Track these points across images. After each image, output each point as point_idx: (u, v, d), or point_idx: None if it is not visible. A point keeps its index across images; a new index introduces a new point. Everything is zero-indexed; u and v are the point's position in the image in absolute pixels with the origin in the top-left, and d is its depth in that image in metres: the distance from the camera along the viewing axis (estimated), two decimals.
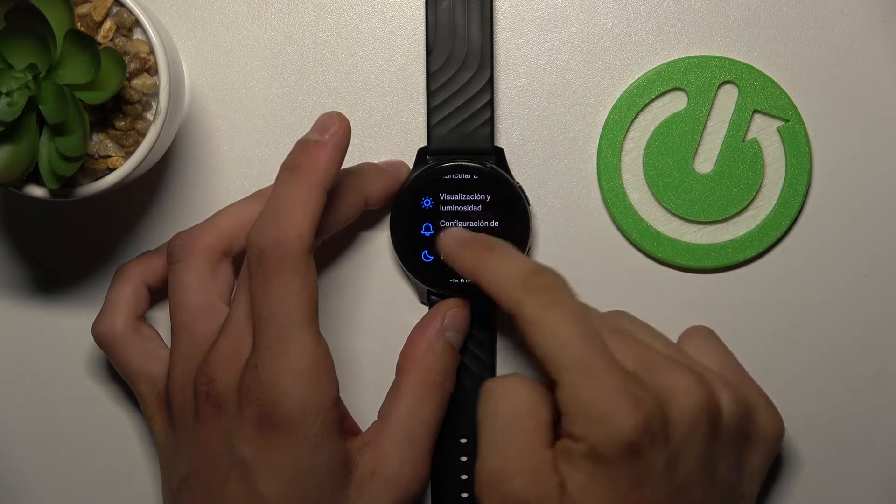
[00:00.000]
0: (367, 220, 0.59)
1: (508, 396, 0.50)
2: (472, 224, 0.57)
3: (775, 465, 0.59)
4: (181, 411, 0.53)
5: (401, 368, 0.55)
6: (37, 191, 0.53)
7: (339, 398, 0.52)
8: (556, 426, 0.50)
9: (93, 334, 0.56)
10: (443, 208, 0.57)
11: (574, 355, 0.48)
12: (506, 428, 0.49)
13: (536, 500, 0.48)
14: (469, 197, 0.57)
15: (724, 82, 0.58)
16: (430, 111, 0.57)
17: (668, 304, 0.59)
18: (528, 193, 0.58)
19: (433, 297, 0.58)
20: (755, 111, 0.58)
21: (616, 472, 0.47)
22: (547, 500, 0.48)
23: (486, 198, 0.57)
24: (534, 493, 0.48)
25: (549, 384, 0.49)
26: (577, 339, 0.48)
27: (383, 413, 0.54)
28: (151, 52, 0.53)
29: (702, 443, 0.49)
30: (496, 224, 0.57)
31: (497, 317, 0.59)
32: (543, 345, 0.49)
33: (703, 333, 0.56)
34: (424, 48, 0.58)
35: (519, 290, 0.50)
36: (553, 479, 0.48)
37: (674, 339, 0.55)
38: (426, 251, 0.57)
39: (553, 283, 0.50)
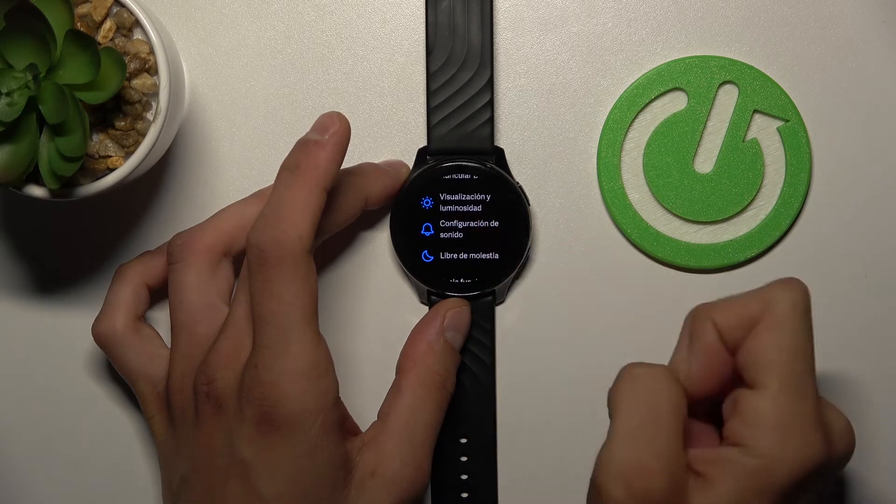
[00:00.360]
0: (367, 220, 0.59)
1: (656, 386, 0.47)
2: (472, 224, 0.57)
3: None
4: (181, 411, 0.53)
5: (401, 368, 0.55)
6: (37, 191, 0.53)
7: (338, 398, 0.52)
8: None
9: (93, 334, 0.56)
10: (443, 208, 0.57)
11: (798, 370, 0.47)
12: (651, 419, 0.47)
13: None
14: (469, 197, 0.57)
15: (724, 82, 0.58)
16: (430, 111, 0.57)
17: (668, 304, 0.59)
18: (528, 193, 0.58)
19: (433, 297, 0.58)
20: (755, 111, 0.58)
21: (773, 497, 0.46)
22: None
23: (486, 198, 0.57)
24: (669, 495, 0.46)
25: (747, 386, 0.47)
26: (805, 357, 0.47)
27: (383, 413, 0.54)
28: (151, 52, 0.53)
29: (827, 485, 0.49)
30: (496, 224, 0.57)
31: (497, 317, 0.59)
32: (776, 344, 0.47)
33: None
34: (424, 48, 0.58)
35: (775, 289, 0.48)
36: (687, 482, 0.46)
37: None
38: (426, 251, 0.57)
39: (807, 292, 0.48)
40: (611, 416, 0.48)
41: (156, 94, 0.53)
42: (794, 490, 0.46)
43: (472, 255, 0.57)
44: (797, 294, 0.48)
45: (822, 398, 0.49)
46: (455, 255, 0.57)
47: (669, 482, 0.46)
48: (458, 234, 0.57)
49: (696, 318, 0.49)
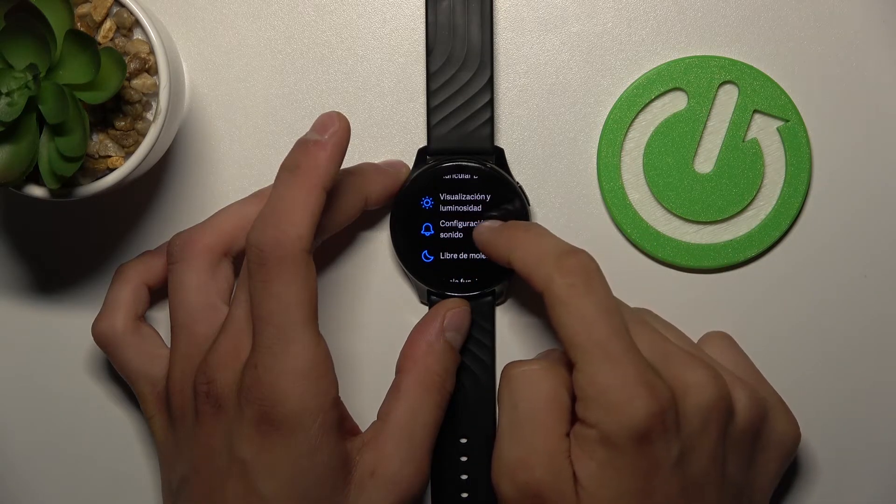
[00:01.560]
0: (367, 220, 0.59)
1: (530, 383, 0.50)
2: (473, 224, 0.57)
3: None
4: (181, 411, 0.53)
5: (401, 368, 0.55)
6: (37, 191, 0.53)
7: (338, 398, 0.52)
8: (572, 411, 0.50)
9: (93, 334, 0.56)
10: (443, 208, 0.57)
11: (596, 339, 0.49)
12: (527, 416, 0.50)
13: (552, 492, 0.49)
14: (469, 197, 0.57)
15: (724, 82, 0.58)
16: (430, 111, 0.57)
17: (668, 304, 0.59)
18: (528, 193, 0.58)
19: (433, 297, 0.58)
20: (755, 111, 0.58)
21: (627, 461, 0.48)
22: (562, 490, 0.49)
23: (486, 198, 0.57)
24: (551, 483, 0.49)
25: (569, 365, 0.50)
26: (602, 324, 0.49)
27: (383, 413, 0.54)
28: (151, 52, 0.53)
29: (713, 440, 0.49)
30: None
31: (497, 317, 0.59)
32: (568, 325, 0.49)
33: (722, 337, 0.56)
34: (424, 48, 0.58)
35: (551, 267, 0.50)
36: (569, 469, 0.49)
37: None
38: (426, 251, 0.57)
39: (585, 265, 0.50)
40: (498, 416, 0.51)
41: (156, 94, 0.53)
42: (643, 447, 0.48)
43: (472, 255, 0.57)
44: (573, 275, 0.50)
45: (686, 353, 0.50)
46: (455, 255, 0.57)
47: (550, 471, 0.49)
48: (458, 234, 0.57)
49: (501, 239, 0.54)
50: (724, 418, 0.50)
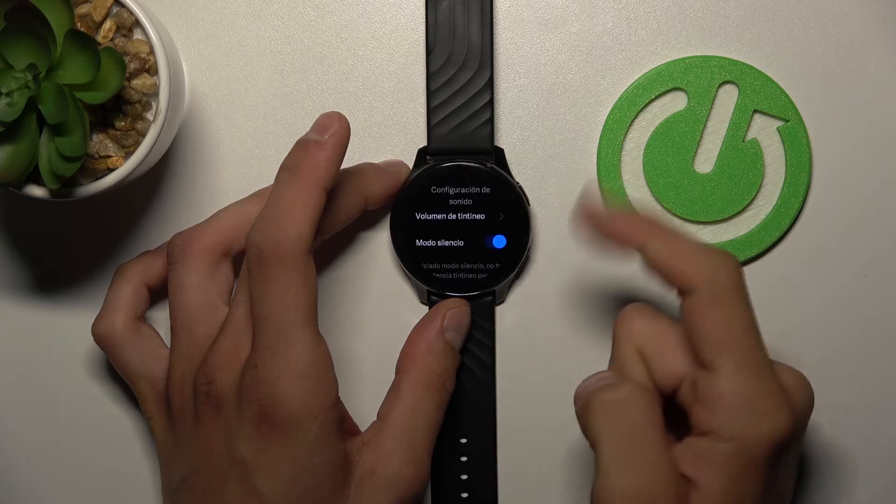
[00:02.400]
0: (367, 220, 0.59)
1: (630, 408, 0.48)
2: (472, 224, 0.57)
3: None
4: (181, 411, 0.53)
5: (400, 368, 0.55)
6: (37, 191, 0.53)
7: (338, 398, 0.52)
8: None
9: (93, 334, 0.56)
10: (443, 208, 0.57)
11: (749, 345, 0.47)
12: (638, 443, 0.47)
13: None
14: (469, 197, 0.57)
15: (724, 82, 0.58)
16: (430, 111, 0.57)
17: (668, 304, 0.59)
18: (528, 193, 0.58)
19: (433, 297, 0.58)
20: (755, 111, 0.58)
21: (760, 474, 0.47)
22: None
23: (487, 198, 0.57)
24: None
25: (701, 367, 0.48)
26: (753, 332, 0.48)
27: (383, 413, 0.54)
28: (151, 52, 0.53)
29: (803, 439, 0.49)
30: (496, 224, 0.57)
31: (497, 317, 0.59)
32: (720, 327, 0.47)
33: None
34: (424, 48, 0.58)
35: (711, 263, 0.48)
36: (686, 489, 0.47)
37: None
38: (426, 251, 0.57)
39: (740, 271, 0.49)
40: (593, 447, 0.48)
41: (156, 94, 0.53)
42: (777, 459, 0.47)
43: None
44: (732, 271, 0.48)
45: (772, 360, 0.49)
46: (455, 255, 0.57)
47: (673, 498, 0.46)
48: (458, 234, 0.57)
49: (636, 226, 0.50)
50: (809, 418, 0.50)
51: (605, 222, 0.51)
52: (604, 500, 0.47)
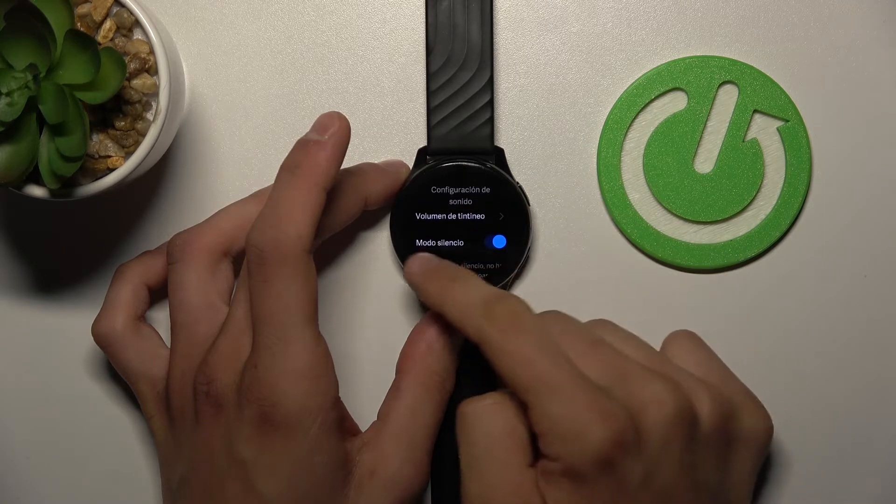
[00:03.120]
0: (367, 220, 0.59)
1: (485, 419, 0.50)
2: (472, 223, 0.57)
3: (773, 466, 0.59)
4: (181, 411, 0.53)
5: (400, 369, 0.55)
6: (37, 191, 0.53)
7: (338, 398, 0.52)
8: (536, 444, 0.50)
9: (93, 334, 0.56)
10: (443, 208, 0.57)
11: (538, 375, 0.48)
12: (485, 452, 0.50)
13: None
14: (469, 197, 0.57)
15: (724, 82, 0.58)
16: (430, 111, 0.57)
17: (668, 304, 0.59)
18: (528, 193, 0.58)
19: None
20: (755, 111, 0.58)
21: (594, 488, 0.48)
22: None
23: (486, 198, 0.57)
24: None
25: (522, 406, 0.50)
26: (540, 359, 0.49)
27: (383, 413, 0.54)
28: (151, 52, 0.53)
29: (679, 451, 0.49)
30: (496, 224, 0.57)
31: None
32: (508, 369, 0.49)
33: (685, 337, 0.55)
34: (424, 48, 0.58)
35: (480, 317, 0.50)
36: (536, 500, 0.49)
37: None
38: (426, 251, 0.57)
39: (512, 308, 0.50)
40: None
41: (156, 94, 0.53)
42: (607, 471, 0.47)
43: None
44: (501, 321, 0.50)
45: (640, 367, 0.50)
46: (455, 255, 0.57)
47: None
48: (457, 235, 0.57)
49: (434, 288, 0.53)
50: (687, 428, 0.49)
51: (407, 274, 0.54)
52: (462, 500, 0.50)
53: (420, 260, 0.54)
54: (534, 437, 0.49)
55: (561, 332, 0.51)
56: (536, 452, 0.50)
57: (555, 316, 0.53)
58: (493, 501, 0.49)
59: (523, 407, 0.49)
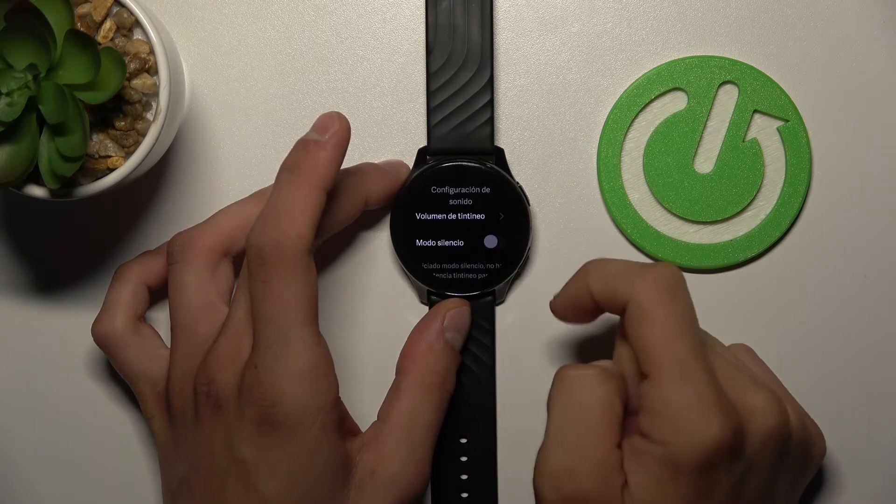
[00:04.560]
0: (367, 220, 0.59)
1: (586, 388, 0.49)
2: (472, 223, 0.57)
3: None
4: (181, 411, 0.53)
5: (401, 369, 0.55)
6: (37, 191, 0.53)
7: (338, 398, 0.52)
8: (625, 420, 0.49)
9: (92, 334, 0.56)
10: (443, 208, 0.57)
11: (677, 354, 0.48)
12: (579, 422, 0.48)
13: (599, 503, 0.48)
14: (469, 197, 0.57)
15: (724, 82, 0.58)
16: (430, 111, 0.57)
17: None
18: (528, 193, 0.58)
19: (433, 297, 0.58)
20: (755, 111, 0.58)
21: (687, 482, 0.47)
22: (610, 502, 0.48)
23: (487, 198, 0.57)
24: (598, 495, 0.48)
25: (627, 376, 0.49)
26: (684, 340, 0.48)
27: (383, 413, 0.54)
28: (151, 52, 0.53)
29: (771, 464, 0.49)
30: (496, 224, 0.57)
31: (497, 317, 0.59)
32: (647, 337, 0.48)
33: (746, 350, 0.55)
34: (424, 48, 0.58)
35: (636, 276, 0.49)
36: (619, 480, 0.48)
37: None
38: (426, 251, 0.57)
39: (672, 276, 0.49)
40: (547, 418, 0.49)
41: (156, 94, 0.53)
42: (708, 470, 0.47)
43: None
44: (659, 284, 0.49)
45: (747, 375, 0.50)
46: (455, 255, 0.57)
47: (597, 482, 0.48)
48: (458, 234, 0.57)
49: (577, 274, 0.52)
50: (783, 443, 0.49)
51: (556, 311, 0.53)
52: (537, 469, 0.49)
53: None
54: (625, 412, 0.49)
55: None
56: (624, 432, 0.49)
57: None
58: (575, 473, 0.48)
59: (633, 379, 0.49)
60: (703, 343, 0.49)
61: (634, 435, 0.48)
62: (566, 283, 0.53)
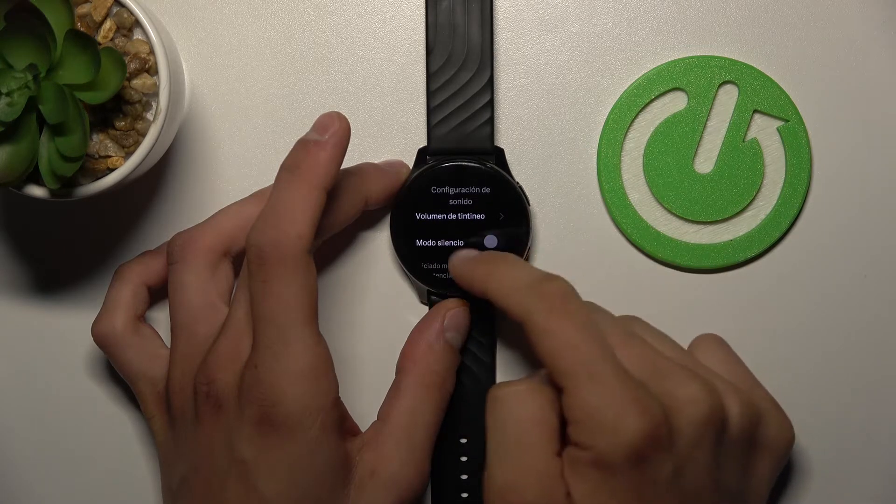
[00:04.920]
0: (367, 220, 0.59)
1: (516, 405, 0.49)
2: (472, 223, 0.57)
3: None
4: (181, 411, 0.53)
5: (401, 369, 0.55)
6: (37, 191, 0.53)
7: (338, 398, 0.52)
8: (564, 432, 0.49)
9: (92, 334, 0.56)
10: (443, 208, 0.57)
11: (580, 361, 0.48)
12: (514, 438, 0.49)
13: None
14: (469, 197, 0.57)
15: (724, 82, 0.58)
16: (430, 111, 0.57)
17: (668, 304, 0.59)
18: (528, 193, 0.58)
19: (433, 297, 0.58)
20: (755, 111, 0.58)
21: (621, 480, 0.47)
22: None
23: (486, 198, 0.57)
24: None
25: (557, 390, 0.49)
26: (584, 345, 0.48)
27: (383, 413, 0.54)
28: (151, 52, 0.53)
29: (707, 452, 0.49)
30: (496, 224, 0.57)
31: (498, 317, 0.59)
32: (550, 351, 0.48)
33: (713, 341, 0.55)
34: (424, 48, 0.58)
35: (527, 296, 0.50)
36: (561, 489, 0.48)
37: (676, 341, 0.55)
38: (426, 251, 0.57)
39: (561, 290, 0.50)
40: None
41: (156, 94, 0.53)
42: (637, 465, 0.47)
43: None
44: (549, 300, 0.49)
45: (677, 366, 0.50)
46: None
47: (541, 494, 0.48)
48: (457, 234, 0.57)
49: (476, 273, 0.53)
50: (718, 430, 0.49)
51: (451, 267, 0.54)
52: (484, 488, 0.49)
53: (462, 252, 0.55)
54: (563, 426, 0.49)
55: (600, 321, 0.51)
56: (563, 442, 0.49)
57: (592, 305, 0.52)
58: (517, 487, 0.48)
59: (557, 392, 0.49)
60: (606, 344, 0.49)
61: (570, 445, 0.49)
62: (466, 269, 0.54)
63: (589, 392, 0.48)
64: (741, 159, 0.58)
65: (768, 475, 0.53)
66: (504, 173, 0.57)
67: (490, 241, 0.57)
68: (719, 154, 0.58)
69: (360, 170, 0.57)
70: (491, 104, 0.57)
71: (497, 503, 0.49)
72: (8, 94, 0.50)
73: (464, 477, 0.58)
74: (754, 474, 0.52)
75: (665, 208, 0.58)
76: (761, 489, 0.53)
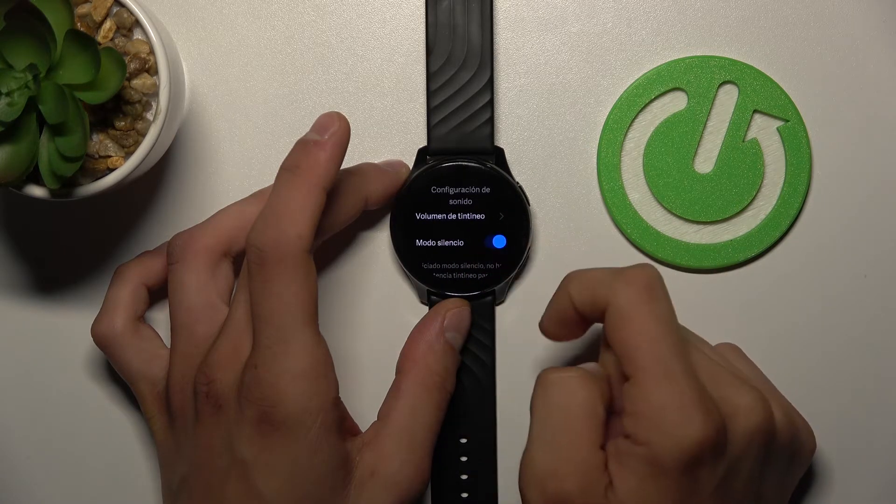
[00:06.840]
0: (367, 220, 0.59)
1: (567, 392, 0.49)
2: (472, 223, 0.57)
3: None
4: (181, 411, 0.53)
5: (401, 369, 0.55)
6: (37, 191, 0.53)
7: (338, 398, 0.52)
8: (609, 425, 0.49)
9: (92, 335, 0.56)
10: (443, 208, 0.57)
11: (658, 355, 0.48)
12: (561, 426, 0.49)
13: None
14: (469, 197, 0.57)
15: (724, 82, 0.58)
16: (430, 111, 0.57)
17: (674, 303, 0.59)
18: (528, 193, 0.58)
19: (433, 297, 0.58)
20: (755, 111, 0.58)
21: (671, 482, 0.47)
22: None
23: (486, 198, 0.57)
24: (582, 496, 0.48)
25: (610, 378, 0.49)
26: (664, 341, 0.48)
27: (383, 413, 0.54)
28: (151, 52, 0.53)
29: (754, 462, 0.49)
30: (496, 224, 0.57)
31: (497, 317, 0.59)
32: (629, 340, 0.48)
33: (733, 349, 0.55)
34: (424, 48, 0.58)
35: (614, 279, 0.49)
36: (602, 481, 0.48)
37: None
38: (426, 251, 0.57)
39: (650, 276, 0.49)
40: (530, 421, 0.50)
41: (156, 94, 0.53)
42: (691, 469, 0.47)
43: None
44: (637, 285, 0.49)
45: (731, 373, 0.50)
46: (455, 255, 0.57)
47: (581, 483, 0.48)
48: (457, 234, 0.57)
49: (560, 285, 0.52)
50: (768, 440, 0.49)
51: (545, 329, 0.53)
52: (522, 471, 0.49)
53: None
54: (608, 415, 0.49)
55: None
56: (607, 435, 0.49)
57: None
58: (559, 475, 0.48)
59: (609, 384, 0.49)
60: (684, 342, 0.49)
61: (619, 437, 0.48)
62: (550, 300, 0.53)
63: (659, 388, 0.47)
64: (741, 159, 0.58)
65: (794, 483, 0.54)
66: (504, 173, 0.57)
67: (499, 240, 0.57)
68: (719, 154, 0.58)
69: (360, 170, 0.57)
70: (491, 104, 0.57)
71: (534, 488, 0.49)
72: (8, 94, 0.50)
73: (464, 477, 0.58)
74: (787, 483, 0.53)
75: (665, 208, 0.58)
76: (786, 497, 0.53)
